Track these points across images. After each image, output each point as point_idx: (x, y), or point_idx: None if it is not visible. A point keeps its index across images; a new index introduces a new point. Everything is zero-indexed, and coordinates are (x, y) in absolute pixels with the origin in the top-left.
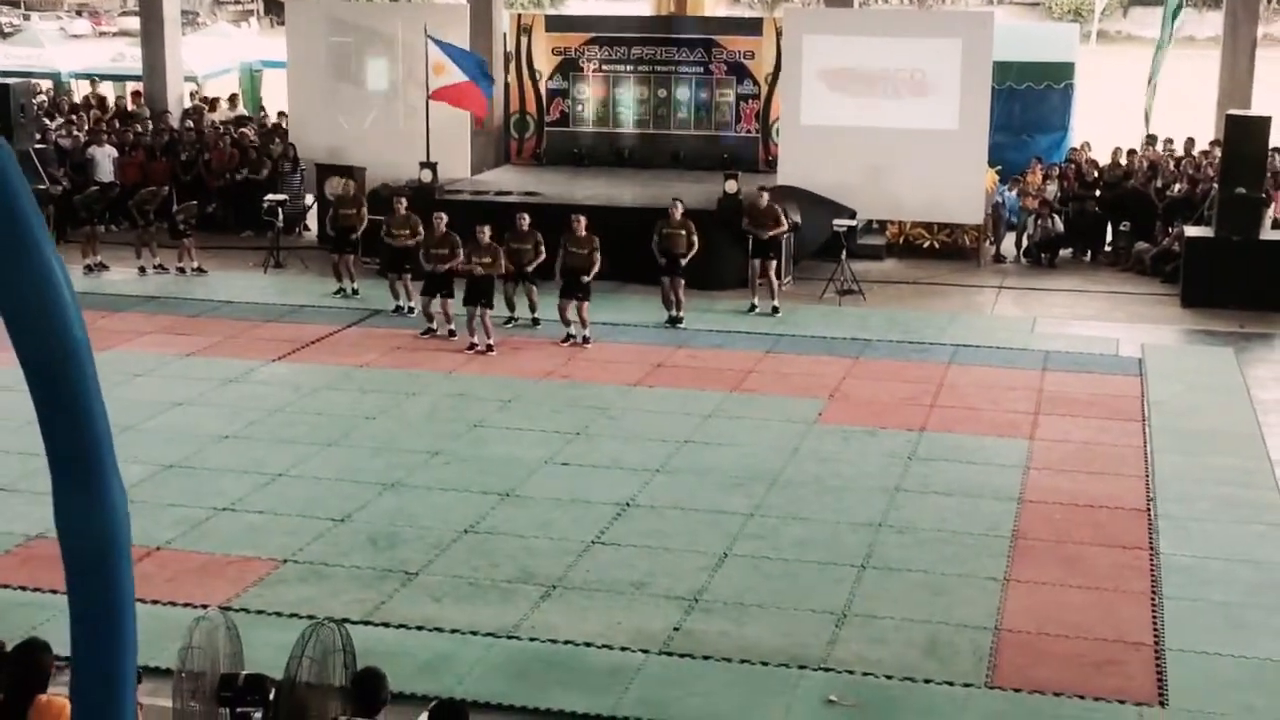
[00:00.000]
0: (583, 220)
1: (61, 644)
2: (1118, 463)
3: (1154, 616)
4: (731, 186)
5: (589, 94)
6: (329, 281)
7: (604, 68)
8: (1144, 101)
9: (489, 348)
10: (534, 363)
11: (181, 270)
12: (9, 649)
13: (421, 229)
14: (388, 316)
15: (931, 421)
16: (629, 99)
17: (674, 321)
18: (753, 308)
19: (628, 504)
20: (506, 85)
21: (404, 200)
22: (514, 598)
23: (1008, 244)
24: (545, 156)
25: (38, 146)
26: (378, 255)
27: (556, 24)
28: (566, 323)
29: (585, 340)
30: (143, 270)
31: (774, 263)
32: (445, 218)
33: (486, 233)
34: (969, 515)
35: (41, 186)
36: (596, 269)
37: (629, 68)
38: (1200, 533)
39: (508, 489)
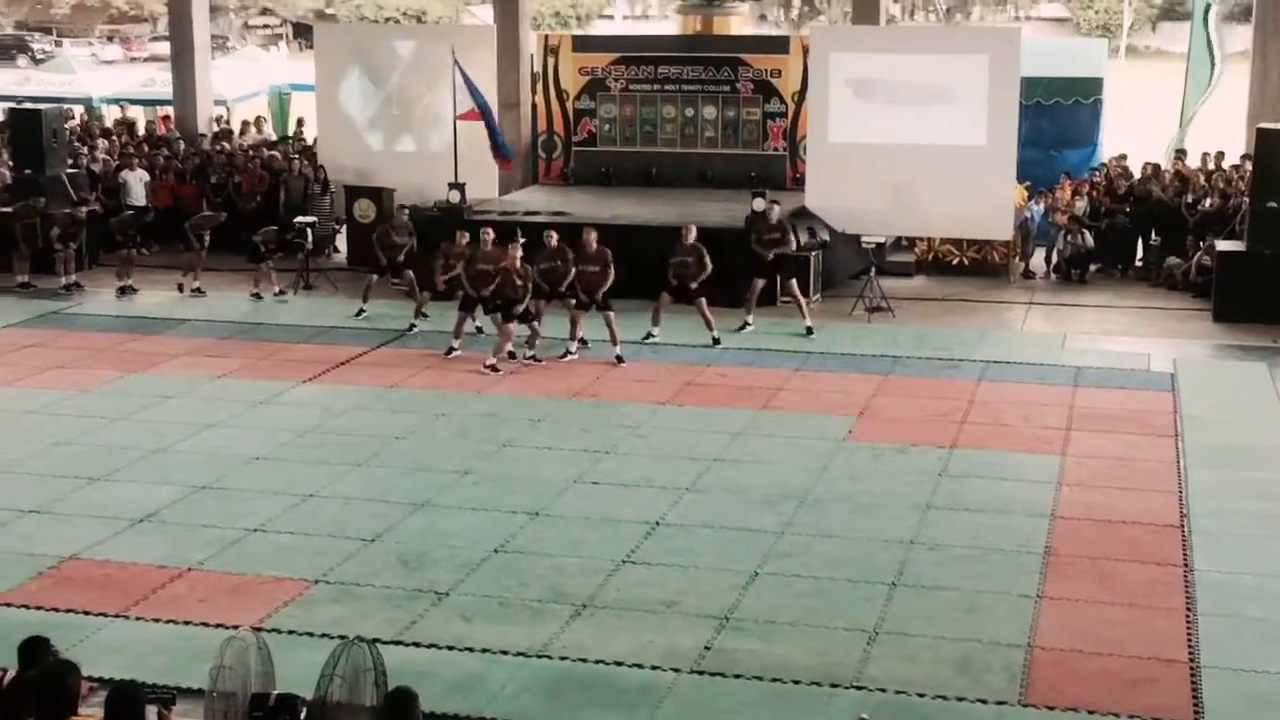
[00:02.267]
0: (593, 234)
1: (93, 666)
2: (1151, 478)
3: (1189, 633)
4: (759, 205)
5: (616, 114)
6: (358, 303)
7: (631, 87)
8: (1181, 119)
9: (493, 367)
10: (563, 382)
11: (258, 296)
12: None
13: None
14: (415, 337)
15: (962, 438)
16: (656, 118)
17: (715, 342)
18: (744, 325)
19: (658, 523)
20: (534, 106)
21: (490, 231)
22: (544, 617)
23: (1037, 260)
24: (573, 176)
25: (69, 171)
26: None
27: (583, 44)
28: (572, 337)
29: (619, 359)
30: (181, 288)
31: (793, 281)
32: (492, 233)
33: (554, 237)
34: (1001, 532)
35: (68, 211)
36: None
37: (656, 87)
38: (1235, 548)
39: (537, 508)
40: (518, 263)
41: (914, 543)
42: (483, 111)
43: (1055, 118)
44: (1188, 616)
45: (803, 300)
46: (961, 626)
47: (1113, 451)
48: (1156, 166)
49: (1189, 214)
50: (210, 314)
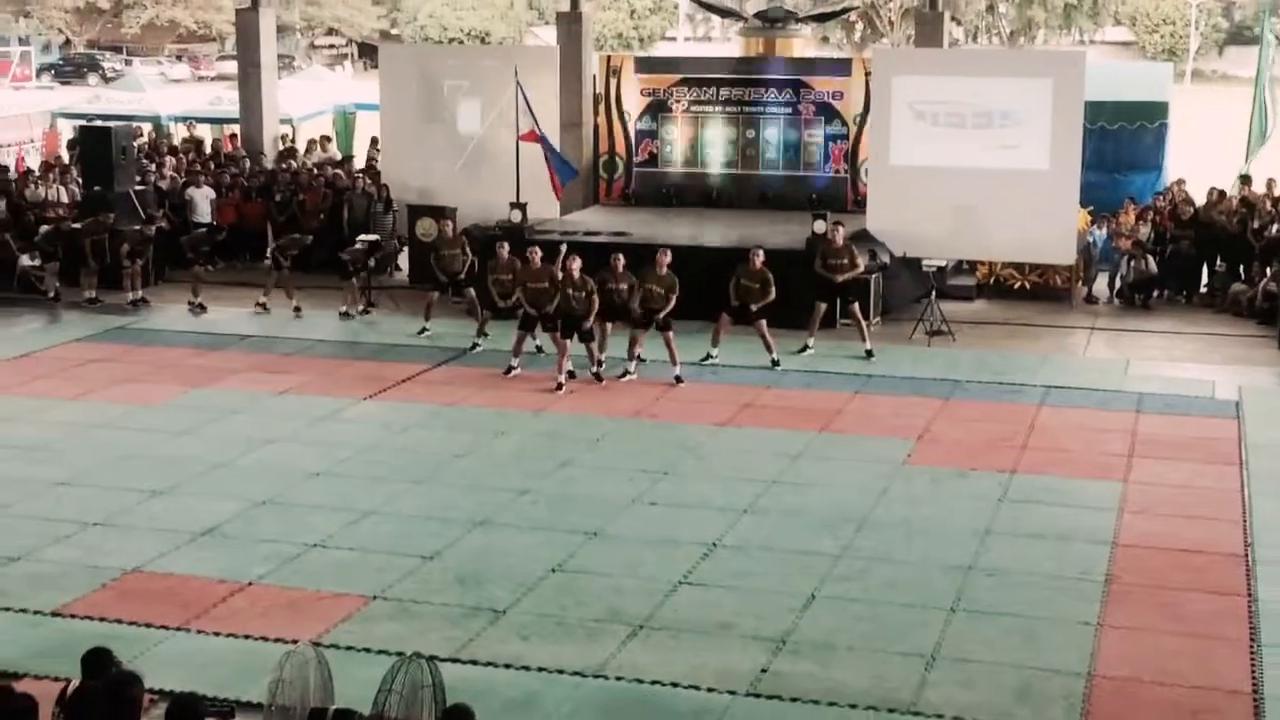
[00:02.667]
0: (667, 256)
1: (154, 678)
2: (1214, 507)
3: (1252, 664)
4: (820, 227)
5: (677, 135)
6: (420, 321)
7: (693, 108)
8: (1249, 145)
9: (559, 385)
10: (622, 402)
11: (347, 314)
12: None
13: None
14: (476, 356)
15: (1023, 463)
16: (717, 139)
17: (774, 364)
18: (804, 348)
19: (715, 544)
20: (596, 127)
21: (538, 250)
22: (601, 637)
23: (1100, 285)
24: (634, 197)
25: (138, 188)
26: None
27: (646, 65)
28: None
29: (678, 379)
30: (263, 307)
31: (855, 304)
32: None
33: (621, 262)
34: (1061, 558)
35: (136, 227)
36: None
37: (717, 108)
38: None
39: (595, 528)
40: (576, 275)
41: (973, 568)
42: (542, 136)
43: (1119, 142)
44: (1251, 647)
45: (864, 323)
46: (1021, 653)
47: (1176, 479)
48: (1222, 192)
49: (1254, 240)
50: (272, 330)
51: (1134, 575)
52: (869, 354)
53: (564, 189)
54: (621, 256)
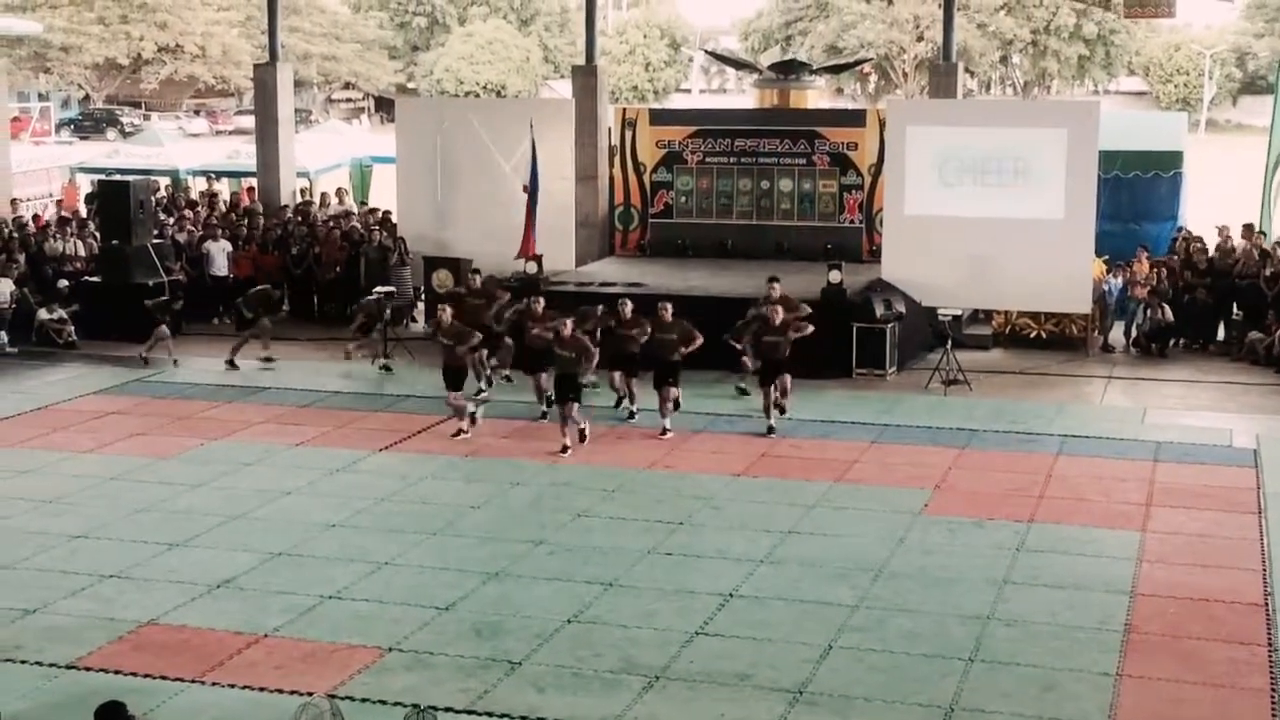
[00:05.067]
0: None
1: None
2: (1233, 556)
3: (1274, 714)
4: (835, 277)
5: (693, 186)
6: (435, 373)
7: (708, 160)
8: (1263, 194)
9: (582, 435)
10: (637, 452)
11: (388, 368)
12: None
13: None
14: (490, 407)
15: (1040, 513)
16: (732, 190)
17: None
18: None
19: (731, 594)
20: (611, 178)
21: (541, 300)
22: (617, 688)
23: (1116, 334)
24: (649, 248)
25: (155, 241)
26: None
27: (661, 117)
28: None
29: (664, 431)
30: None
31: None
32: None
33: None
34: (1080, 608)
35: (159, 280)
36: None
37: (732, 159)
38: None
39: (611, 579)
40: (567, 328)
41: (991, 618)
42: (531, 193)
43: (1134, 191)
44: (1272, 698)
45: (775, 393)
46: (1040, 704)
47: (1194, 528)
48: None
49: (1268, 288)
50: (288, 383)
51: (1153, 625)
52: (770, 432)
53: (530, 248)
54: (629, 301)
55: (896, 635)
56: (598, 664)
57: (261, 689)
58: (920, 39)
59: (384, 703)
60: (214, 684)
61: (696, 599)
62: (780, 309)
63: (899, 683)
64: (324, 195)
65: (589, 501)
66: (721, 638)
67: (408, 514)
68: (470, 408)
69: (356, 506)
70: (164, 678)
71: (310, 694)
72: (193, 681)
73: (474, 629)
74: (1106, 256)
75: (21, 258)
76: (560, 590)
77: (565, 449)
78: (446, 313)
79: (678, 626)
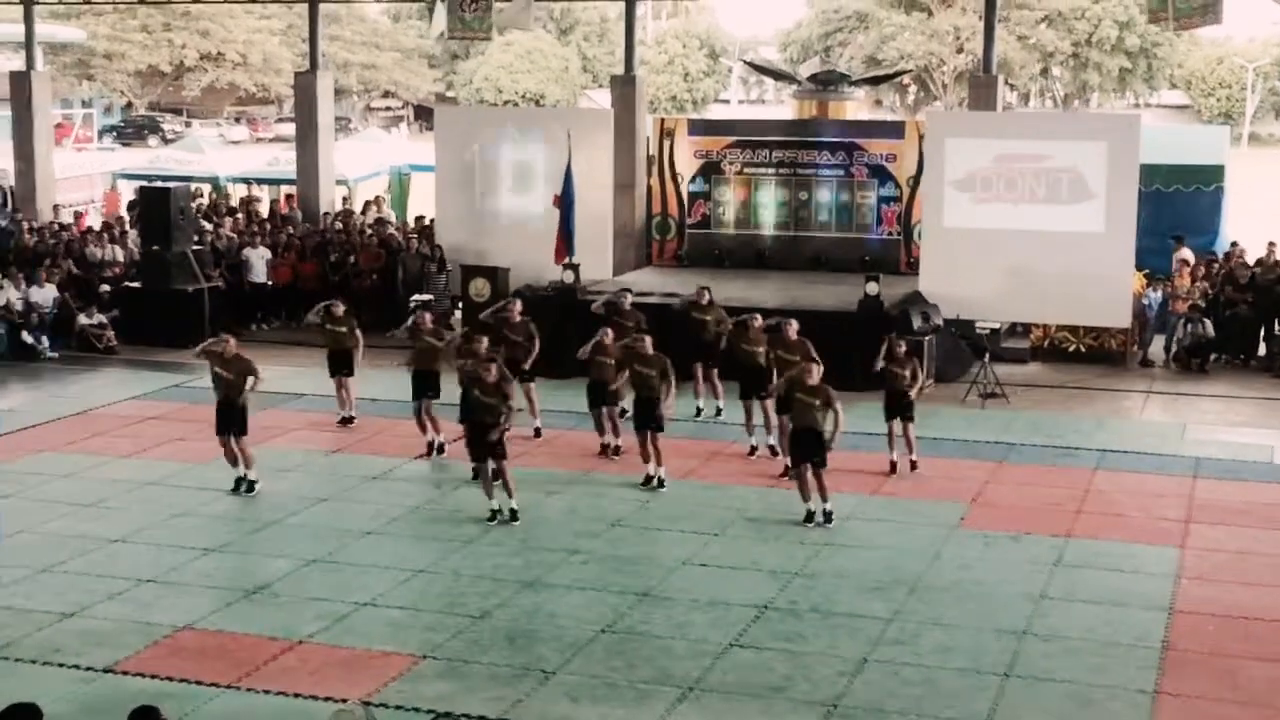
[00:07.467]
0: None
1: None
2: (1274, 573)
3: None
4: (873, 289)
5: (730, 196)
6: None
7: (745, 170)
8: None
9: (617, 449)
10: (673, 463)
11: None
12: None
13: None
14: (522, 416)
15: (1078, 528)
16: (770, 201)
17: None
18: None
19: (766, 606)
20: (649, 188)
21: (517, 302)
22: (650, 699)
23: (1156, 348)
24: (686, 258)
25: (195, 248)
26: None
27: (699, 128)
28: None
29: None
30: None
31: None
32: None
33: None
34: (1117, 625)
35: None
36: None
37: (770, 170)
38: None
39: (645, 589)
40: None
41: (1027, 633)
42: (566, 205)
43: (1175, 205)
44: None
45: (719, 385)
46: None
47: (1234, 545)
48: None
49: None
50: (323, 389)
51: (1191, 642)
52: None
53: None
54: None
55: (931, 649)
56: (631, 674)
57: (296, 695)
58: (960, 51)
59: (418, 710)
60: (249, 690)
61: (731, 610)
62: (813, 369)
63: (934, 697)
64: (365, 204)
65: (624, 511)
66: (756, 650)
67: (443, 522)
68: (439, 438)
69: (392, 514)
70: (199, 683)
71: (345, 700)
72: (228, 687)
73: (508, 637)
74: (1147, 270)
75: (66, 263)
76: (594, 600)
77: (605, 447)
78: (426, 319)
79: (712, 638)
